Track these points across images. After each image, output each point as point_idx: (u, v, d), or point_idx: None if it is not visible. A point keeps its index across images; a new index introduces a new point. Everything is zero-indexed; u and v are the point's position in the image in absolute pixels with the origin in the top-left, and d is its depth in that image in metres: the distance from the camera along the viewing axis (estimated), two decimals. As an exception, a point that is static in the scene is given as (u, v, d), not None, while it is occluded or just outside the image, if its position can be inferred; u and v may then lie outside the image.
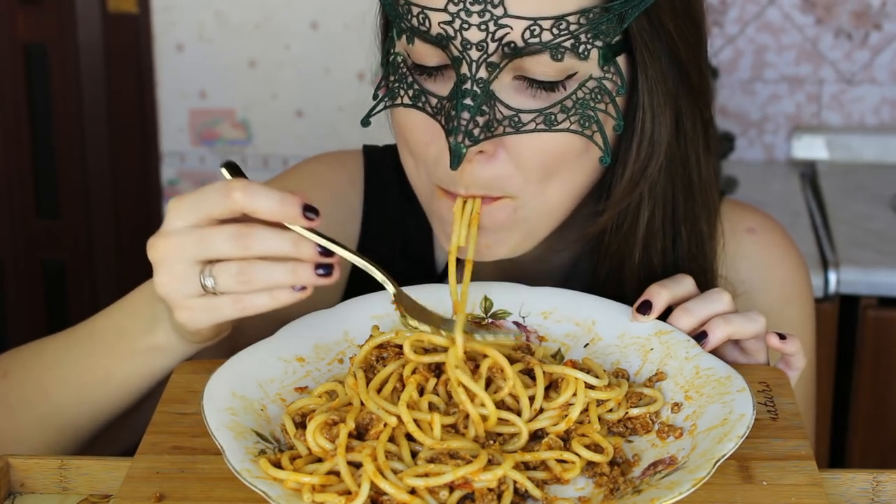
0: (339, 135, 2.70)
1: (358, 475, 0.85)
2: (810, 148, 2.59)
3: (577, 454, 0.90)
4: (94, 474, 0.97)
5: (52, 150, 2.80)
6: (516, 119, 1.00)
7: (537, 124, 1.00)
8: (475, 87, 0.99)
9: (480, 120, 0.99)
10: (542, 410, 0.94)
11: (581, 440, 0.91)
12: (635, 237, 1.11)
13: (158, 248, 0.95)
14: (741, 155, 2.62)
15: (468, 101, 0.99)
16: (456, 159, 0.98)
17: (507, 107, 1.00)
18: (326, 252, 0.93)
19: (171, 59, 2.70)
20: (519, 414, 0.93)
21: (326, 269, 0.93)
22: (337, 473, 0.86)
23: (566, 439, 0.92)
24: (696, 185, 1.12)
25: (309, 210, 0.93)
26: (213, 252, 0.94)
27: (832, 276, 2.09)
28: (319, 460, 0.88)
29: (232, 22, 2.67)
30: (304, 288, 0.94)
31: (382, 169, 1.24)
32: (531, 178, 1.03)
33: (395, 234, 1.23)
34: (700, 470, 0.85)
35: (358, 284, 1.20)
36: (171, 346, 1.04)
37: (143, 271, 1.10)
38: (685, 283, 1.04)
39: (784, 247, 1.24)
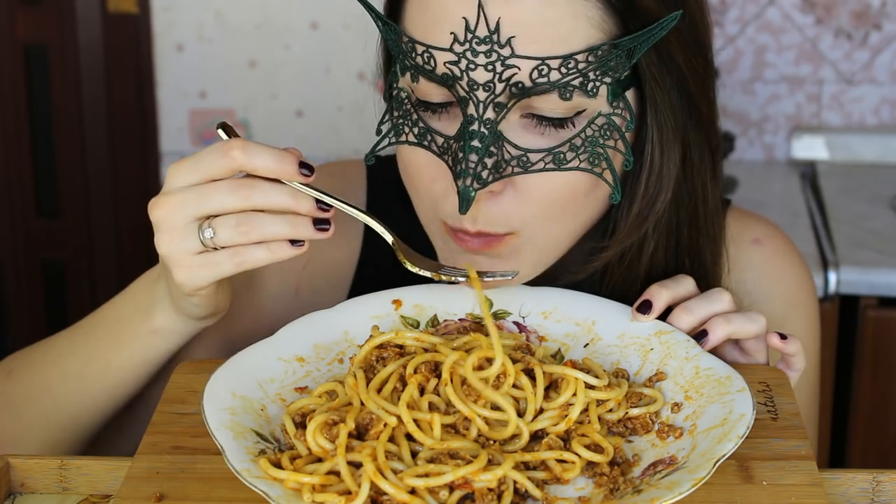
0: (339, 135, 2.70)
1: (358, 475, 0.85)
2: (810, 148, 2.59)
3: (577, 454, 0.90)
4: (95, 474, 0.97)
5: (52, 150, 2.80)
6: (525, 159, 0.98)
7: (546, 163, 0.99)
8: (482, 129, 0.97)
9: (489, 161, 0.97)
10: (542, 410, 0.93)
11: (581, 440, 0.91)
12: (638, 270, 1.10)
13: (160, 207, 0.96)
14: (741, 155, 2.61)
15: (476, 143, 0.97)
16: (465, 203, 0.97)
17: (516, 147, 0.98)
18: (323, 208, 0.96)
19: (171, 59, 2.70)
20: (520, 414, 0.93)
21: (324, 224, 0.96)
22: (337, 473, 0.86)
23: (566, 439, 0.92)
24: (701, 217, 1.11)
25: (304, 167, 0.95)
26: (214, 205, 0.94)
27: (832, 276, 2.09)
28: (319, 460, 0.88)
29: (232, 22, 2.67)
30: (301, 244, 0.96)
31: (384, 180, 1.23)
32: (540, 214, 1.02)
33: None
34: (700, 470, 0.85)
35: (359, 284, 1.20)
36: (171, 328, 1.05)
37: (143, 271, 1.10)
38: (685, 283, 1.04)
39: (789, 255, 1.23)
